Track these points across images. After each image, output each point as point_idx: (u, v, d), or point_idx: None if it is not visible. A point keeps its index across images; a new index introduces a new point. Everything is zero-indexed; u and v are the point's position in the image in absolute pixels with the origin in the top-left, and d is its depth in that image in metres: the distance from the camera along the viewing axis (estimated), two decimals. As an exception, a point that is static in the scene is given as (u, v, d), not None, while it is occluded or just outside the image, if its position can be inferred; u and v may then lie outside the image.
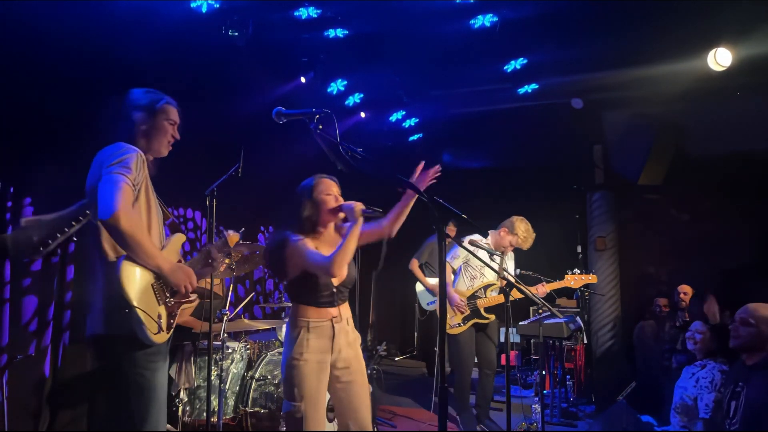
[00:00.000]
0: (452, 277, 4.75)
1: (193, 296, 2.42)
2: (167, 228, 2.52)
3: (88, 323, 2.15)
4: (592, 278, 4.54)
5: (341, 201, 2.74)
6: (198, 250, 3.68)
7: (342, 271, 2.54)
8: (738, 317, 2.97)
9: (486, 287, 4.61)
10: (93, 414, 3.68)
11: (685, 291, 5.52)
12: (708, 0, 4.33)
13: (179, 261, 2.37)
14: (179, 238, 2.45)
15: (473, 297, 4.59)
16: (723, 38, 4.87)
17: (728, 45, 4.87)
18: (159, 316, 2.15)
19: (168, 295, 2.23)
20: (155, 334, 2.10)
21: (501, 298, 4.57)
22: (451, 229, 6.36)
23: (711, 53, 4.96)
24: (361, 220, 2.61)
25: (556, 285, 4.51)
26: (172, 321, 2.25)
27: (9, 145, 3.57)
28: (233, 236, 2.98)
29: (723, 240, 6.36)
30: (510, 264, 4.77)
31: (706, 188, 6.52)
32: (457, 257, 4.69)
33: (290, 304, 4.89)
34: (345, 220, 2.76)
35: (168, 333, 2.22)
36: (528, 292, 3.42)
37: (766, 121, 5.72)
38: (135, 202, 2.16)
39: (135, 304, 2.05)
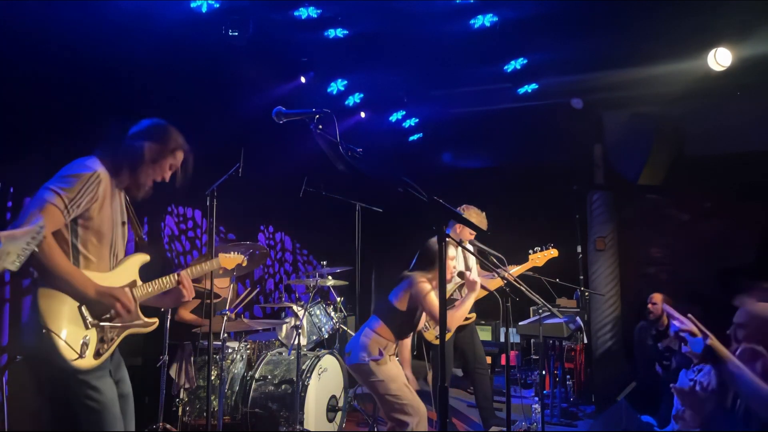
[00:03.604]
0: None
1: (149, 320, 2.30)
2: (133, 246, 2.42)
3: (18, 338, 2.08)
4: (553, 252, 4.57)
5: (454, 266, 3.59)
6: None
7: (454, 327, 3.57)
8: (735, 320, 2.96)
9: (460, 288, 4.58)
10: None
11: (654, 301, 5.19)
12: (708, 0, 4.32)
13: (134, 282, 2.26)
14: (138, 258, 2.34)
15: (450, 300, 4.53)
16: (723, 38, 4.87)
17: (728, 45, 4.87)
18: (84, 340, 2.03)
19: (98, 319, 2.10)
20: (74, 360, 1.98)
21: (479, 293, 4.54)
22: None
23: (711, 53, 4.95)
24: (477, 292, 3.44)
25: (524, 267, 4.52)
26: (105, 345, 2.11)
27: (9, 145, 3.57)
28: (233, 258, 2.96)
29: (723, 240, 6.36)
30: (471, 258, 4.71)
31: (706, 188, 6.52)
32: None
33: (289, 304, 4.92)
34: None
35: (98, 359, 2.08)
36: (528, 291, 3.42)
37: (766, 121, 5.72)
38: (82, 223, 2.08)
39: (50, 328, 1.95)
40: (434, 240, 3.44)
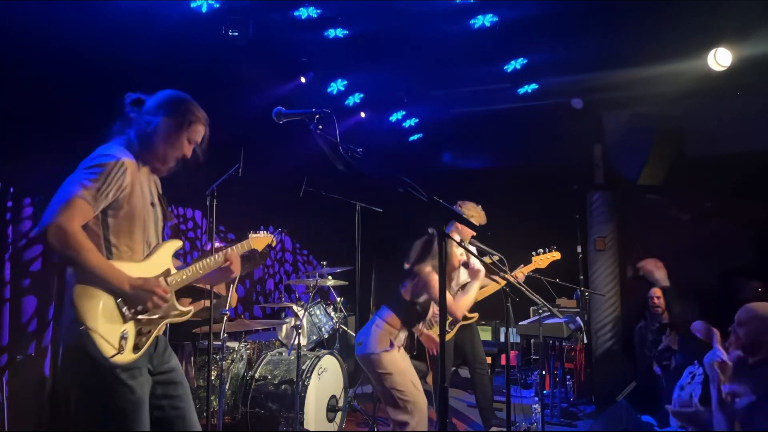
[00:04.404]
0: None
1: (184, 309, 2.23)
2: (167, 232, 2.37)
3: (59, 334, 2.06)
4: (556, 255, 4.59)
5: (463, 258, 3.57)
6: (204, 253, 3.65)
7: (461, 315, 3.52)
8: (737, 318, 2.97)
9: (463, 287, 4.57)
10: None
11: (658, 295, 5.24)
12: (708, 0, 4.33)
13: (167, 270, 2.19)
14: (172, 244, 2.26)
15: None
16: (723, 38, 4.87)
17: (728, 45, 4.87)
18: (123, 335, 1.99)
19: (135, 312, 2.04)
20: (113, 356, 1.94)
21: (480, 295, 4.53)
22: None
23: (711, 53, 4.95)
24: (480, 280, 3.49)
25: (528, 268, 4.54)
26: (143, 338, 2.07)
27: (9, 145, 3.57)
28: (263, 238, 2.92)
29: (723, 240, 6.36)
30: (473, 257, 4.70)
31: (706, 188, 6.52)
32: None
33: (289, 304, 4.92)
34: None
35: (137, 353, 2.04)
36: (528, 291, 3.42)
37: (766, 121, 5.72)
38: (112, 213, 2.03)
39: (88, 324, 1.90)
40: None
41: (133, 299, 2.01)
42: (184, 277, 2.25)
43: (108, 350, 1.93)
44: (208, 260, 2.34)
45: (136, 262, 2.10)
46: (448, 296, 3.43)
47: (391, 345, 3.30)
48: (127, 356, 2.00)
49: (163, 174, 2.28)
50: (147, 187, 2.19)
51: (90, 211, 1.96)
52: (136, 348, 2.04)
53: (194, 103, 2.26)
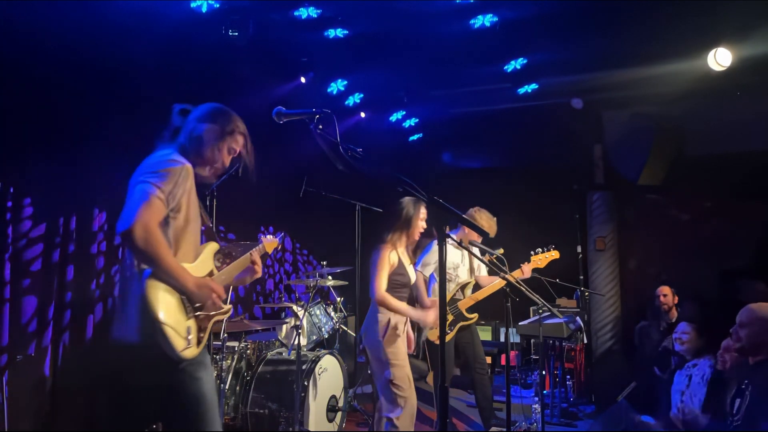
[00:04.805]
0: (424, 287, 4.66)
1: (226, 307, 2.33)
2: (202, 235, 2.47)
3: (120, 330, 2.11)
4: (555, 254, 4.61)
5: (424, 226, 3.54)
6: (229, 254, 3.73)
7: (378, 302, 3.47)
8: (738, 319, 2.97)
9: (462, 287, 4.58)
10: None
11: (665, 293, 5.28)
12: (708, 0, 4.33)
13: (211, 272, 2.32)
14: (212, 247, 2.38)
15: (453, 301, 4.53)
16: (723, 38, 4.87)
17: (728, 45, 4.87)
18: (188, 330, 2.10)
19: (195, 309, 2.17)
20: (182, 350, 2.04)
21: (480, 295, 4.54)
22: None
23: (711, 53, 4.95)
24: (415, 314, 3.49)
25: (528, 267, 4.56)
26: (202, 334, 2.20)
27: (9, 145, 3.56)
28: (272, 242, 3.01)
29: (723, 240, 6.36)
30: (475, 258, 4.71)
31: (706, 188, 6.52)
32: (427, 264, 4.55)
33: (289, 304, 4.92)
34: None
35: (199, 347, 2.16)
36: (527, 291, 3.41)
37: (766, 121, 5.72)
38: (173, 215, 2.12)
39: (161, 319, 1.99)
40: (406, 199, 3.51)
41: (196, 297, 2.13)
42: (223, 277, 2.41)
43: (179, 343, 2.03)
44: (240, 260, 2.51)
45: (189, 263, 2.21)
46: (382, 285, 3.43)
47: (389, 324, 3.39)
48: (194, 350, 2.12)
49: (210, 179, 2.39)
50: (195, 193, 2.30)
51: (164, 211, 2.07)
52: (199, 342, 2.17)
53: (235, 114, 2.41)
